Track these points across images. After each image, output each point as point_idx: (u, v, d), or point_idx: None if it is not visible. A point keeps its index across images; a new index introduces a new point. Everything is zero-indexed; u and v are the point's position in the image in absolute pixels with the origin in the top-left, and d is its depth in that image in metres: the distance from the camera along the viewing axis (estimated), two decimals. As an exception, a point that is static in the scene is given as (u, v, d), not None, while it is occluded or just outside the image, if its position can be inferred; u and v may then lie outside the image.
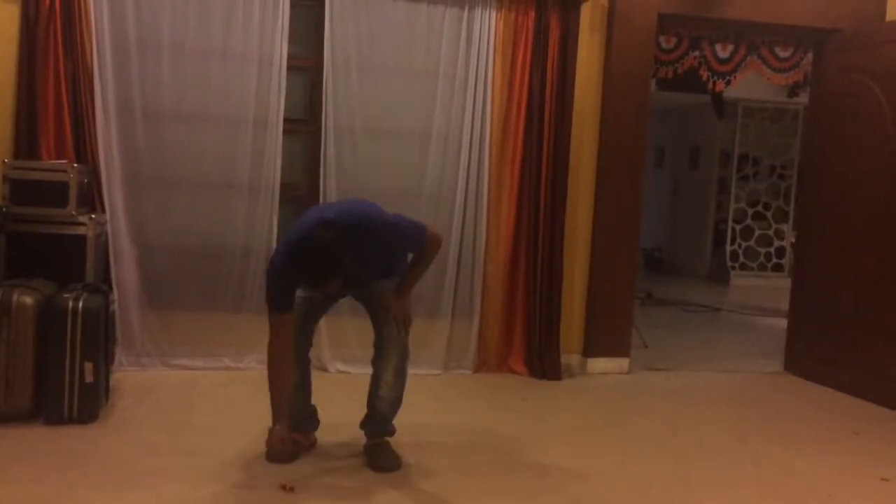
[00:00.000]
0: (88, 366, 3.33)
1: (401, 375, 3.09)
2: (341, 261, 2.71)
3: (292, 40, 4.40)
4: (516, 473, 3.17)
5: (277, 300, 2.88)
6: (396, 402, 3.12)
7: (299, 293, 2.99)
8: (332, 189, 4.43)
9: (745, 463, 3.43)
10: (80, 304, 3.33)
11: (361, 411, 3.18)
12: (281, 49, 4.33)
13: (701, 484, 3.18)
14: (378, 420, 3.14)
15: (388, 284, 3.08)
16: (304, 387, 3.17)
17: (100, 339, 3.40)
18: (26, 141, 4.06)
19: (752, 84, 6.28)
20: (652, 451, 3.54)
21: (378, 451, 3.12)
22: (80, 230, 3.84)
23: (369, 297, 3.10)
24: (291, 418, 3.14)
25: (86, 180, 4.00)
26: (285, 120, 4.40)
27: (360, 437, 3.19)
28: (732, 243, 10.14)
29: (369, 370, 3.15)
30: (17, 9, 4.05)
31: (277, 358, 2.91)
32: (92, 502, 2.67)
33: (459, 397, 4.25)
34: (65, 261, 3.78)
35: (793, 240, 8.83)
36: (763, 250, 10.20)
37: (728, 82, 5.22)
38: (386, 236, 2.97)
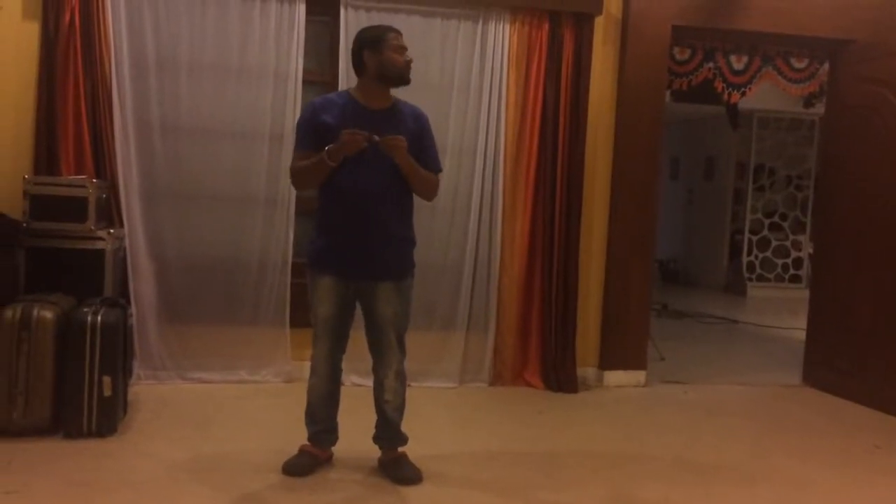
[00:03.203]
0: (107, 380, 3.36)
1: (402, 378, 3.16)
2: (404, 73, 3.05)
3: (307, 55, 4.43)
4: (532, 487, 3.16)
5: (301, 137, 3.07)
6: (402, 406, 3.18)
7: (325, 307, 3.04)
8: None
9: (763, 477, 3.40)
10: (99, 319, 3.37)
11: (376, 424, 3.20)
12: (296, 64, 4.37)
13: (719, 498, 3.15)
14: (389, 427, 3.17)
15: (389, 287, 3.05)
16: (332, 398, 3.19)
17: (118, 352, 3.44)
18: (46, 157, 4.11)
19: (767, 94, 6.26)
20: (670, 464, 3.52)
21: (398, 463, 3.15)
22: (99, 245, 3.87)
23: (369, 296, 3.07)
24: (314, 432, 3.17)
25: (104, 195, 4.05)
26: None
27: (375, 450, 3.20)
28: (749, 254, 10.07)
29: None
30: (38, 26, 4.10)
31: (295, 167, 3.07)
32: (110, 516, 2.69)
33: (475, 411, 4.24)
34: (84, 275, 3.81)
35: (810, 251, 8.76)
36: (780, 261, 10.12)
37: (743, 94, 5.21)
38: (423, 131, 3.12)
